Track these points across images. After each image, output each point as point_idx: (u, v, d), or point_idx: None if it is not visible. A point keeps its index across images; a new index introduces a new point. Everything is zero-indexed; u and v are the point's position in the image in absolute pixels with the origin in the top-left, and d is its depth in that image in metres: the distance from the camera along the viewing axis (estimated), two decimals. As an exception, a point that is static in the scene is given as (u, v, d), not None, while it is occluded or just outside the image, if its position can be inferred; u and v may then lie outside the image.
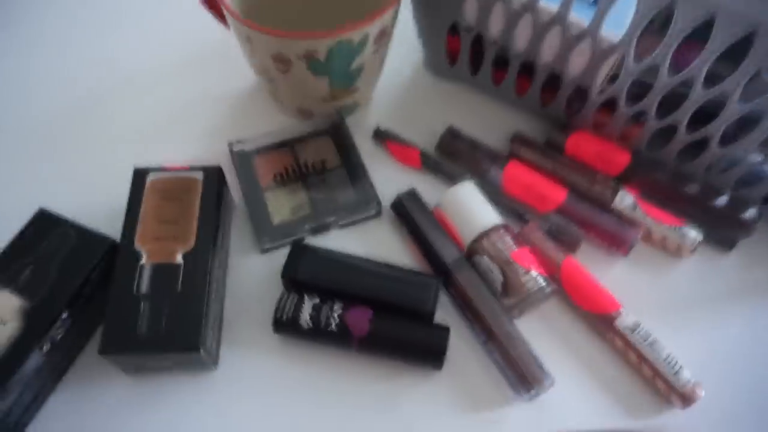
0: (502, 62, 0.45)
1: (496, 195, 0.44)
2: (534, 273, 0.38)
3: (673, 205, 0.44)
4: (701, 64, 0.35)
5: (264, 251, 0.42)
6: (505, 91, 0.47)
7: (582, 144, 0.45)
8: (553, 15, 0.38)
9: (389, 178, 0.46)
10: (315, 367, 0.38)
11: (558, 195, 0.43)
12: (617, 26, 0.37)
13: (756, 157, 0.41)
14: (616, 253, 0.42)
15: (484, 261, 0.39)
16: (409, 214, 0.42)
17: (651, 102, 0.39)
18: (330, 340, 0.37)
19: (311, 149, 0.46)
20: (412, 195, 0.43)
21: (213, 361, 0.37)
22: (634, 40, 0.37)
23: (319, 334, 0.36)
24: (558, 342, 0.39)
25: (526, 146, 0.46)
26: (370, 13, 0.38)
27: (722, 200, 0.43)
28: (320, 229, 0.42)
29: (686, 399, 0.36)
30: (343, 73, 0.42)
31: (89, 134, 0.48)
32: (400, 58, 0.53)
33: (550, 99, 0.45)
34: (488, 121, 0.49)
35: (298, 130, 0.47)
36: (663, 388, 0.36)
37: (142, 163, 0.40)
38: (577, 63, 0.41)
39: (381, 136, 0.47)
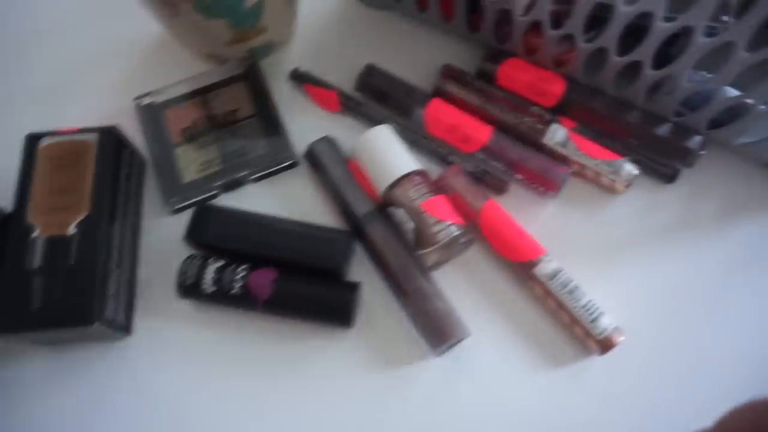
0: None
1: (421, 137, 0.41)
2: (446, 222, 0.35)
3: (612, 137, 0.40)
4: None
5: (174, 212, 0.40)
6: (433, 16, 0.43)
7: (514, 74, 0.41)
8: None
9: (311, 124, 0.43)
10: (228, 330, 0.37)
11: (483, 134, 0.40)
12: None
13: (700, 77, 0.36)
14: (547, 193, 0.39)
15: (398, 212, 0.37)
16: (321, 164, 0.39)
17: (576, 23, 0.35)
18: (234, 303, 0.36)
19: (224, 98, 0.42)
20: (325, 143, 0.40)
21: (122, 331, 0.36)
22: None
23: (222, 298, 0.35)
24: (478, 292, 0.38)
25: (453, 81, 0.42)
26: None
27: (665, 129, 0.39)
28: (232, 184, 0.40)
29: (603, 346, 0.34)
30: (239, 12, 0.38)
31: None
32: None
33: (478, 23, 0.41)
34: (420, 52, 0.45)
35: (212, 78, 0.43)
36: (581, 335, 0.35)
37: (40, 128, 0.38)
38: None
39: (298, 79, 0.44)
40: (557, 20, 0.36)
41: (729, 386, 0.35)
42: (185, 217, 0.39)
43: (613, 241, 0.39)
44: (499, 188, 0.40)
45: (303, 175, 0.42)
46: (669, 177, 0.40)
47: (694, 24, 0.31)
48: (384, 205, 0.38)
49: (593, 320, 0.34)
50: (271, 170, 0.41)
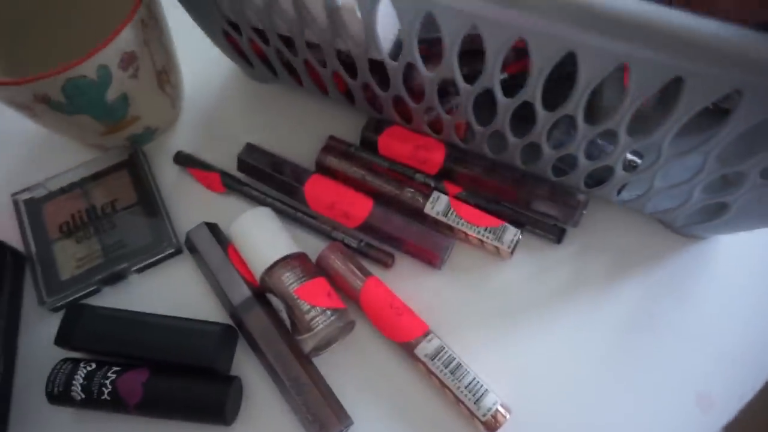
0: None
1: (305, 215, 0.40)
2: (320, 309, 0.34)
3: (498, 200, 0.40)
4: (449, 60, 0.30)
5: (54, 310, 0.39)
6: (311, 90, 0.43)
7: (394, 142, 0.41)
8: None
9: (200, 207, 0.42)
10: (106, 434, 0.36)
11: (363, 209, 0.39)
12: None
13: (571, 139, 0.36)
14: (432, 264, 0.39)
15: (274, 298, 0.36)
16: (198, 252, 0.38)
17: (430, 95, 0.35)
18: (106, 408, 0.34)
19: (105, 188, 0.42)
20: (203, 230, 0.39)
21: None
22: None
23: (93, 404, 0.34)
24: (363, 374, 0.37)
25: (334, 154, 0.41)
26: (98, 42, 0.33)
27: (549, 189, 0.39)
28: (113, 278, 0.39)
29: (488, 426, 0.33)
30: (103, 107, 0.37)
31: None
32: (212, 65, 0.48)
33: (352, 94, 0.41)
34: (309, 122, 0.45)
35: (93, 168, 0.43)
36: (467, 414, 0.34)
37: None
38: (348, 37, 0.35)
39: (181, 162, 0.43)
40: (419, 92, 0.36)
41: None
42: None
43: (502, 310, 0.38)
44: (384, 263, 0.39)
45: (188, 263, 0.40)
46: (556, 237, 0.39)
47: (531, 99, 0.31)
48: (262, 292, 0.37)
49: (477, 400, 0.33)
50: (152, 260, 0.40)
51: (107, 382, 0.34)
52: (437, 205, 0.39)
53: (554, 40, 0.25)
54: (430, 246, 0.38)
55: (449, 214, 0.38)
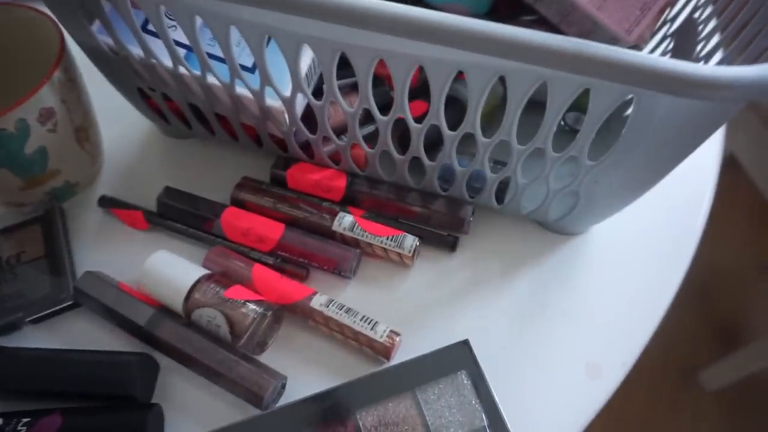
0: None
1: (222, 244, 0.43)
2: (251, 302, 0.38)
3: (397, 218, 0.45)
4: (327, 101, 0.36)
5: None
6: (224, 138, 0.47)
7: (300, 176, 0.46)
8: (198, 78, 0.39)
9: (127, 246, 0.45)
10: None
11: (275, 232, 0.43)
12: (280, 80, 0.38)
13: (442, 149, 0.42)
14: (343, 275, 0.42)
15: (203, 312, 0.38)
16: (90, 295, 0.40)
17: (318, 137, 0.40)
18: (24, 456, 0.34)
19: (13, 241, 0.43)
20: (88, 277, 0.41)
21: None
22: (294, 103, 0.38)
23: None
24: (285, 346, 0.40)
25: (247, 190, 0.45)
26: (15, 100, 0.37)
27: (440, 203, 0.44)
28: (7, 328, 0.40)
29: (387, 347, 0.38)
30: (21, 161, 0.40)
31: None
32: (131, 125, 0.52)
33: (260, 139, 0.46)
34: (222, 168, 0.49)
35: (8, 222, 0.45)
36: (364, 344, 0.39)
37: None
38: (251, 114, 0.41)
39: (105, 204, 0.46)
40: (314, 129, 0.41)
41: None
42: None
43: (408, 311, 0.42)
44: (299, 275, 0.42)
45: (86, 316, 0.42)
46: (450, 245, 0.44)
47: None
48: (188, 317, 0.39)
49: (372, 327, 0.39)
50: (48, 311, 0.41)
51: None
52: (343, 222, 0.43)
53: (405, 57, 0.31)
54: (339, 258, 0.42)
55: (355, 229, 0.43)
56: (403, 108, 0.35)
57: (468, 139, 0.37)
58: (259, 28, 0.32)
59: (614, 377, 0.40)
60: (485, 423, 0.36)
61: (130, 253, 0.44)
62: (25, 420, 0.34)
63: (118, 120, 0.51)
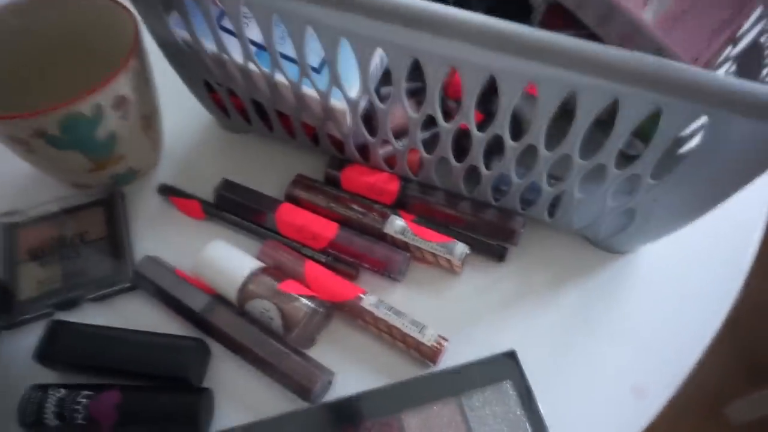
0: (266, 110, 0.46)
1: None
2: (304, 297, 0.39)
3: (447, 225, 0.45)
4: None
5: (5, 328, 0.41)
6: (281, 135, 0.48)
7: (354, 178, 0.46)
8: (267, 76, 0.40)
9: (175, 238, 0.46)
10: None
11: (329, 231, 0.43)
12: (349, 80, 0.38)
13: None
14: (392, 277, 0.43)
15: (257, 303, 0.39)
16: (149, 278, 0.41)
17: (385, 133, 0.41)
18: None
19: (78, 221, 0.45)
20: (148, 261, 0.42)
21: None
22: (359, 105, 0.39)
23: (68, 430, 0.35)
24: (332, 342, 0.41)
25: (302, 187, 0.46)
26: (96, 84, 0.39)
27: (491, 213, 0.45)
28: (67, 303, 0.42)
29: (434, 351, 0.39)
30: (93, 144, 0.42)
31: None
32: (190, 117, 0.54)
33: (318, 138, 0.47)
34: (276, 165, 0.50)
35: (73, 202, 0.46)
36: (412, 346, 0.39)
37: None
38: (313, 114, 0.42)
39: (164, 192, 0.47)
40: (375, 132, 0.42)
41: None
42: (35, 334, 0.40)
43: (454, 318, 0.42)
44: (350, 275, 0.43)
45: (143, 298, 0.43)
46: (499, 256, 0.45)
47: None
48: (241, 307, 0.40)
49: (420, 331, 0.39)
50: (108, 291, 0.42)
51: (79, 407, 0.35)
52: (395, 225, 0.44)
53: (478, 67, 0.32)
54: (389, 260, 0.42)
55: (406, 233, 0.43)
56: (469, 117, 0.36)
57: (524, 151, 0.37)
58: (335, 30, 0.33)
59: (659, 399, 0.39)
60: (529, 434, 0.36)
61: (185, 241, 0.45)
62: (85, 393, 0.35)
63: (176, 111, 0.52)
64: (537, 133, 0.35)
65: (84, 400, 0.35)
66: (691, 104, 0.28)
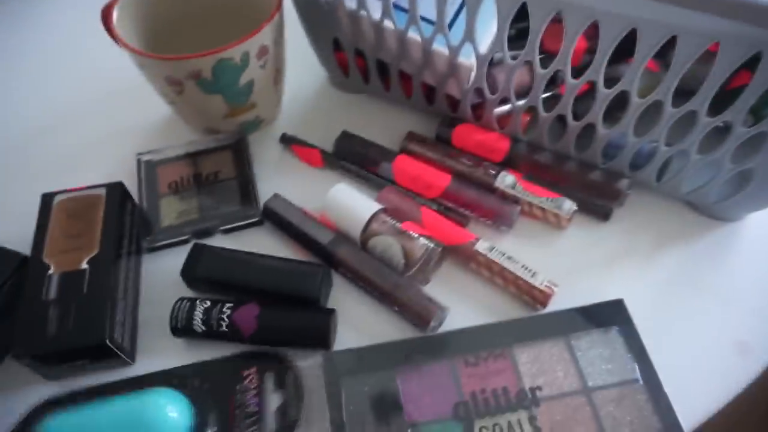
0: (386, 70, 0.49)
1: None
2: (424, 236, 0.42)
3: (554, 184, 0.47)
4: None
5: (149, 250, 0.46)
6: (396, 95, 0.51)
7: (465, 136, 0.49)
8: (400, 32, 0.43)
9: (296, 183, 0.50)
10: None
11: (442, 181, 0.46)
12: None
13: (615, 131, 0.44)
14: (502, 227, 0.45)
15: (380, 240, 0.42)
16: (279, 214, 0.45)
17: (497, 98, 0.43)
18: (224, 339, 0.39)
19: (210, 161, 0.50)
20: (277, 198, 0.46)
21: (128, 357, 0.39)
22: (485, 63, 0.42)
23: (213, 336, 0.39)
24: (445, 284, 0.44)
25: (416, 142, 0.49)
26: (247, 34, 0.43)
27: (597, 174, 0.47)
28: (203, 233, 0.46)
29: (545, 295, 0.41)
30: (234, 90, 0.46)
31: (17, 165, 0.52)
32: (307, 76, 0.57)
33: (433, 97, 0.49)
34: (388, 124, 0.53)
35: (204, 145, 0.51)
36: (524, 290, 0.41)
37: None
38: (437, 71, 0.45)
39: (286, 141, 0.51)
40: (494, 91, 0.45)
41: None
42: (179, 258, 0.44)
43: (559, 269, 0.44)
44: (460, 223, 0.46)
45: (268, 231, 0.47)
46: (604, 215, 0.46)
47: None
48: (363, 244, 0.43)
49: (532, 275, 0.41)
50: (238, 224, 0.46)
51: (224, 316, 0.39)
52: (505, 180, 0.46)
53: (619, 18, 0.34)
54: (500, 210, 0.45)
55: (516, 187, 0.46)
56: (599, 72, 0.38)
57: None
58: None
59: (764, 357, 0.40)
60: (638, 376, 0.38)
61: (304, 187, 0.49)
62: (228, 305, 0.40)
63: (293, 71, 0.56)
64: (666, 87, 0.37)
65: (227, 310, 0.39)
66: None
